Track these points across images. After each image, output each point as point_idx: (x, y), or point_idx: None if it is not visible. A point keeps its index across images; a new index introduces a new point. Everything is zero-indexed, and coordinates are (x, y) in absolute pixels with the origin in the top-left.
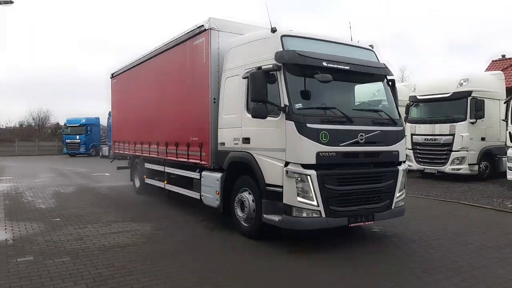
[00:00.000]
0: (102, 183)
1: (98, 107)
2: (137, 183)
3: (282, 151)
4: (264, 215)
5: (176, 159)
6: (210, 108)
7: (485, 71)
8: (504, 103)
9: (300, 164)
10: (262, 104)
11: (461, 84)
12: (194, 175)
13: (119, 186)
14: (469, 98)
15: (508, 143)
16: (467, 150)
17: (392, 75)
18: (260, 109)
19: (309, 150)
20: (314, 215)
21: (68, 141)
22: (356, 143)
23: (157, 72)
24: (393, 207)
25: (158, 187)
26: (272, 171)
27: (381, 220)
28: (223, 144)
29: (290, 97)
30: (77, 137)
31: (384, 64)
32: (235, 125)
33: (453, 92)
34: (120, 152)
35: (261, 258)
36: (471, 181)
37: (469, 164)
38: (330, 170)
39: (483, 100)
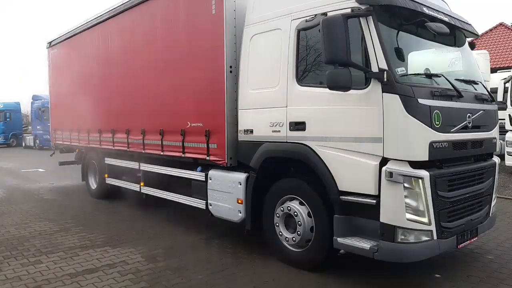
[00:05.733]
0: (40, 184)
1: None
2: (93, 184)
3: (375, 141)
4: (338, 239)
5: (160, 153)
6: (225, 81)
7: None
8: (505, 83)
9: (408, 161)
10: (345, 69)
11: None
12: (195, 175)
13: (66, 187)
14: None
15: (508, 126)
16: None
17: (478, 36)
18: (342, 76)
19: (422, 139)
20: (424, 238)
21: None
22: (465, 128)
23: (126, 35)
24: (490, 215)
25: (126, 189)
26: (353, 172)
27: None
28: (249, 131)
29: (388, 58)
30: None
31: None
32: (274, 104)
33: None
34: (65, 143)
35: None
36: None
37: None
38: (441, 169)
39: None
